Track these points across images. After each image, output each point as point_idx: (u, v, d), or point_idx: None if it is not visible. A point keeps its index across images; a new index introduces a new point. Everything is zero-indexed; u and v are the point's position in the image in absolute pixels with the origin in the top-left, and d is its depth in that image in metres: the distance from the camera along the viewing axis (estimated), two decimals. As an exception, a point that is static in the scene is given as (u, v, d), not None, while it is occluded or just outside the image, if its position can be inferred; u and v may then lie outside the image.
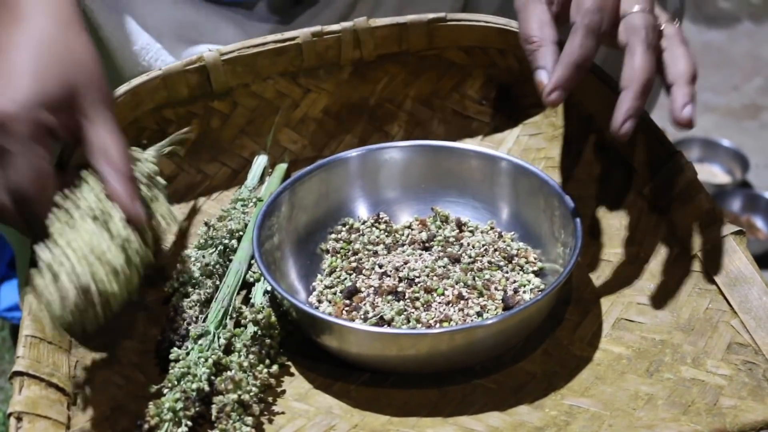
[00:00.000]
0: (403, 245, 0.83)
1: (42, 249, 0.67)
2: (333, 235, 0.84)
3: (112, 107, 0.73)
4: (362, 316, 0.75)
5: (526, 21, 0.76)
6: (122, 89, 0.85)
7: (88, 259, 0.67)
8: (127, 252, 0.69)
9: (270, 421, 0.71)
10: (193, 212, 0.88)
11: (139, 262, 0.70)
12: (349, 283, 0.79)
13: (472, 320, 0.75)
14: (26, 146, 0.68)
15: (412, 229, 0.85)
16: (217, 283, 0.79)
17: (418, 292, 0.76)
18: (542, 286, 0.79)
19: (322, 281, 0.81)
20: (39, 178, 0.69)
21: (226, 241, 0.82)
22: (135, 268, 0.70)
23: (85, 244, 0.67)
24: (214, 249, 0.81)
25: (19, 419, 0.66)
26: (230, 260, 0.81)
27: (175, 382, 0.70)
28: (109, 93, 0.74)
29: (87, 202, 0.70)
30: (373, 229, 0.84)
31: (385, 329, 0.72)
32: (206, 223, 0.84)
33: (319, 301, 0.79)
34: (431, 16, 0.90)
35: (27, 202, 0.69)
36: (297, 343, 0.76)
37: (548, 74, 0.74)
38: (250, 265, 0.80)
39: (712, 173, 1.70)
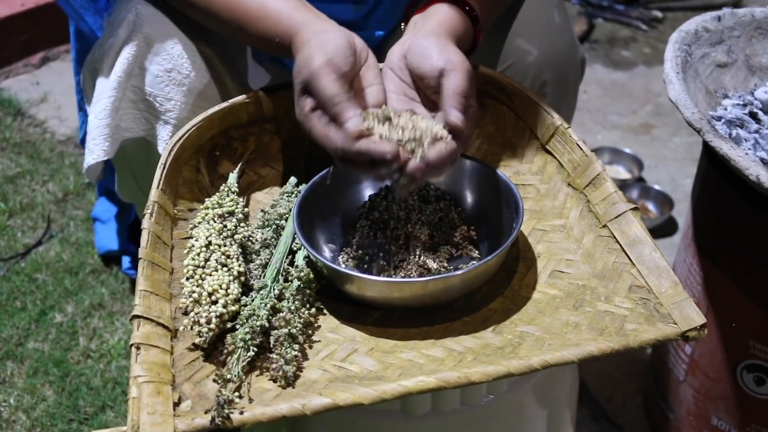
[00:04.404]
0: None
1: None
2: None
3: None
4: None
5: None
6: (200, 117, 0.84)
7: None
8: None
9: (310, 347, 0.72)
10: (253, 202, 0.87)
11: None
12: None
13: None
14: None
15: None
16: (272, 251, 0.79)
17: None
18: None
19: (342, 248, 0.81)
20: None
21: (278, 222, 0.81)
22: None
23: None
24: (269, 228, 0.81)
25: (138, 348, 0.67)
26: (280, 235, 0.80)
27: (245, 321, 0.70)
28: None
29: None
30: (373, 211, 0.81)
31: (390, 278, 0.71)
32: (263, 210, 0.83)
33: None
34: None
35: None
36: (328, 291, 0.76)
37: None
38: (294, 239, 0.79)
39: (617, 172, 1.70)
